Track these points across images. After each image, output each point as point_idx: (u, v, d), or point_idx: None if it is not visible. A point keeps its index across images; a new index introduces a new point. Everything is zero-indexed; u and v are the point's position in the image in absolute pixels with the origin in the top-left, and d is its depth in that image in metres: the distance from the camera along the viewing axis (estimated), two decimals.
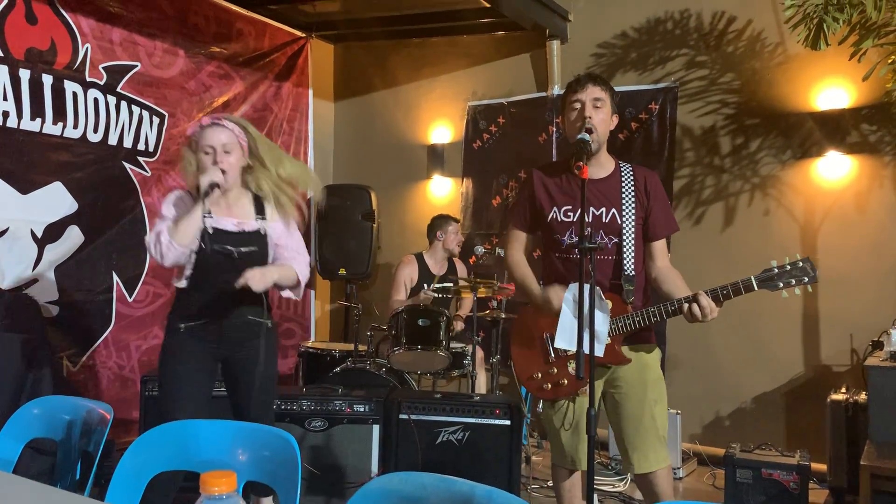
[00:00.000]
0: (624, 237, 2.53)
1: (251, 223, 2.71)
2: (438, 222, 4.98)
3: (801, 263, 2.36)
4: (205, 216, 2.58)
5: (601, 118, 2.53)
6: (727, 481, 3.49)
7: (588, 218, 2.52)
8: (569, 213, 2.59)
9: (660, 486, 2.60)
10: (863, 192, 4.26)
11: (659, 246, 2.61)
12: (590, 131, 2.44)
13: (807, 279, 2.34)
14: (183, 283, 2.68)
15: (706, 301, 2.36)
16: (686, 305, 2.40)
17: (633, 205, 2.55)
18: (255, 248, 2.68)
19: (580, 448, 2.63)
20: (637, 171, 2.62)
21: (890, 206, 4.19)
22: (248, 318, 2.71)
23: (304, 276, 2.75)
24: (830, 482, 3.72)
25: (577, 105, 2.54)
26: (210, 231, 2.60)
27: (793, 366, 4.39)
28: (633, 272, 2.53)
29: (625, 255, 2.53)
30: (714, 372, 4.61)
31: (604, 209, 2.55)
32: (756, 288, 2.37)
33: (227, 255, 2.62)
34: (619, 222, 2.54)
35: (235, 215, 2.70)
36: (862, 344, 4.13)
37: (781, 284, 2.36)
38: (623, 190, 2.57)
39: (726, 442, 3.74)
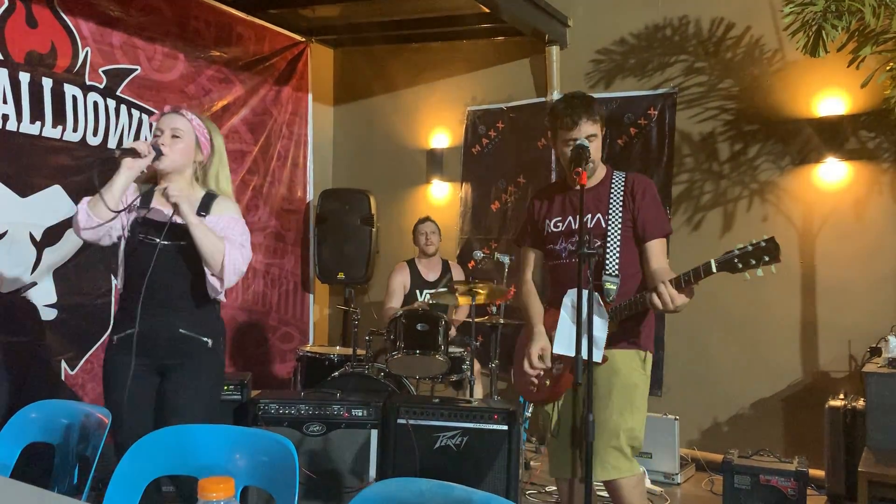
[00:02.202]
0: (608, 240, 2.60)
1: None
2: (414, 226, 5.06)
3: (763, 243, 2.27)
4: (135, 204, 2.52)
5: (595, 147, 2.67)
6: (725, 487, 3.49)
7: (575, 225, 2.65)
8: (558, 224, 2.73)
9: (621, 496, 2.60)
10: (861, 199, 4.26)
11: (652, 248, 2.62)
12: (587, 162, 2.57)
13: (767, 258, 2.25)
14: (120, 285, 2.60)
15: (663, 288, 2.36)
16: (649, 295, 2.42)
17: (620, 209, 2.63)
18: (184, 242, 2.48)
19: (564, 456, 2.65)
20: (628, 177, 2.70)
21: (888, 212, 4.20)
22: (179, 331, 2.53)
23: (231, 260, 2.48)
24: (828, 489, 3.72)
25: (572, 144, 2.64)
26: (140, 220, 2.53)
27: (791, 372, 4.39)
28: (616, 272, 2.57)
29: (608, 257, 2.58)
30: (712, 378, 4.61)
31: (589, 215, 2.65)
32: (715, 270, 2.31)
33: (150, 244, 2.48)
34: (604, 226, 2.62)
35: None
36: (860, 350, 4.13)
37: (741, 266, 2.29)
38: (611, 196, 2.66)
39: (724, 448, 3.74)
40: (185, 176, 2.61)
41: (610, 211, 2.63)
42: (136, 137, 4.44)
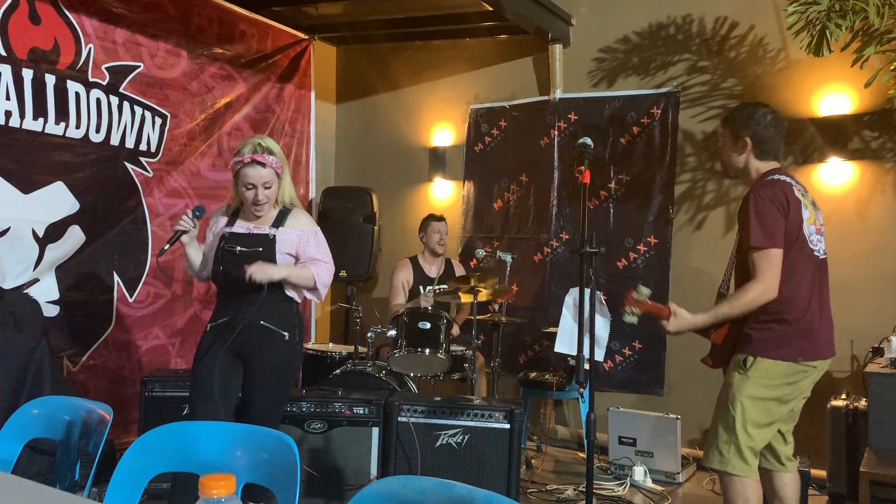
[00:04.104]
0: (731, 255, 2.88)
1: (263, 228, 2.98)
2: (423, 222, 5.07)
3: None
4: (223, 234, 3.00)
5: (724, 150, 2.93)
6: None
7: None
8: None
9: (722, 489, 2.79)
10: (864, 199, 4.26)
11: (750, 261, 2.69)
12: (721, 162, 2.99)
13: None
14: (206, 277, 3.11)
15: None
16: None
17: (738, 225, 2.83)
18: (260, 248, 2.93)
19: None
20: (755, 185, 2.81)
21: (891, 212, 4.19)
22: (260, 323, 2.91)
23: (321, 279, 3.00)
24: (830, 489, 3.72)
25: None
26: (226, 234, 2.96)
27: None
28: (725, 288, 2.84)
29: (724, 275, 2.88)
30: (714, 377, 4.56)
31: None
32: None
33: (231, 252, 2.92)
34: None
35: (255, 223, 3.01)
36: (862, 350, 4.13)
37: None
38: (740, 211, 2.82)
39: None
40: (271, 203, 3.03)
41: (736, 226, 2.86)
42: (139, 135, 4.44)
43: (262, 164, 2.89)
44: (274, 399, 3.01)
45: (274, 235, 2.96)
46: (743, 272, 2.74)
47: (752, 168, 2.84)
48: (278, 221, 3.01)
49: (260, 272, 2.82)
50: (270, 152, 2.92)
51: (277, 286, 2.95)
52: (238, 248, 2.93)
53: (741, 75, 4.61)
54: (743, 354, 2.74)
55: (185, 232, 2.94)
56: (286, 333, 2.96)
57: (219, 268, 2.95)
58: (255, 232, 2.97)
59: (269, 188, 2.93)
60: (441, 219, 5.06)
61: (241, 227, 3.01)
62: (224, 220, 3.06)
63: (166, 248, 2.93)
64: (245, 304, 2.90)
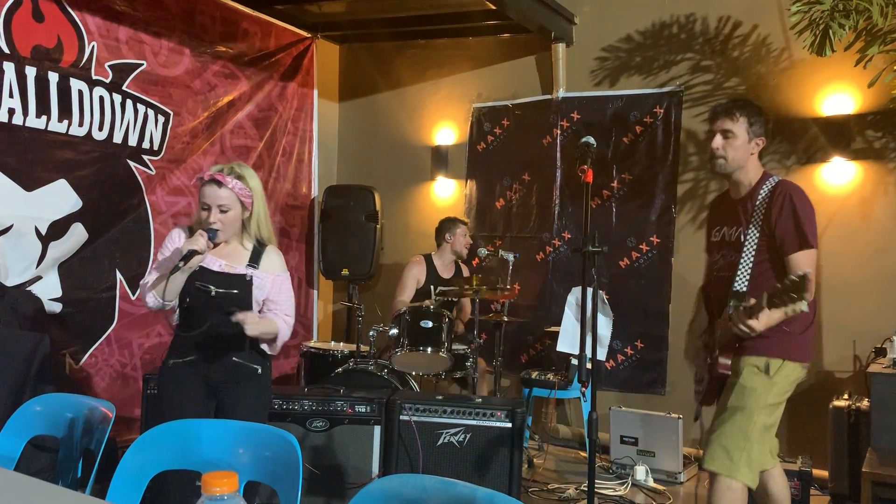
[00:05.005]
0: (743, 255, 2.63)
1: (238, 268, 2.75)
2: (447, 224, 4.98)
3: (791, 281, 2.25)
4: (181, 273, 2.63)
5: (732, 146, 2.71)
6: None
7: (726, 237, 2.73)
8: (716, 234, 2.81)
9: (712, 490, 2.63)
10: (867, 199, 4.25)
11: (792, 262, 2.57)
12: (723, 157, 2.71)
13: (795, 296, 2.23)
14: (175, 320, 2.80)
15: (733, 312, 2.47)
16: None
17: (760, 221, 2.63)
18: (236, 291, 2.72)
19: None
20: (777, 184, 2.67)
21: (894, 212, 4.18)
22: (232, 359, 2.75)
23: (283, 334, 2.80)
24: (832, 489, 3.71)
25: (710, 135, 2.74)
26: (197, 270, 2.67)
27: None
28: (745, 288, 2.60)
29: (738, 273, 2.63)
30: None
31: (735, 227, 2.71)
32: (765, 306, 2.34)
33: (206, 292, 2.68)
34: (742, 240, 2.64)
35: (227, 259, 2.76)
36: (865, 350, 4.12)
37: (777, 301, 2.29)
38: (756, 205, 2.66)
39: None
40: (236, 237, 2.78)
41: (751, 223, 2.64)
42: (141, 132, 4.45)
43: (220, 184, 2.65)
44: None
45: (251, 278, 2.74)
46: (763, 271, 2.62)
47: (753, 167, 2.76)
48: (253, 260, 2.78)
49: (255, 327, 2.65)
50: (240, 178, 2.69)
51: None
52: (213, 288, 2.68)
53: (744, 75, 4.60)
54: (764, 357, 2.62)
55: (199, 253, 2.62)
56: (258, 367, 2.81)
57: (193, 308, 2.71)
58: (229, 272, 2.73)
59: (224, 212, 2.67)
60: (466, 223, 5.06)
61: (213, 262, 2.72)
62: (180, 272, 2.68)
63: (181, 265, 2.57)
64: (216, 344, 2.71)
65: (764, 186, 2.68)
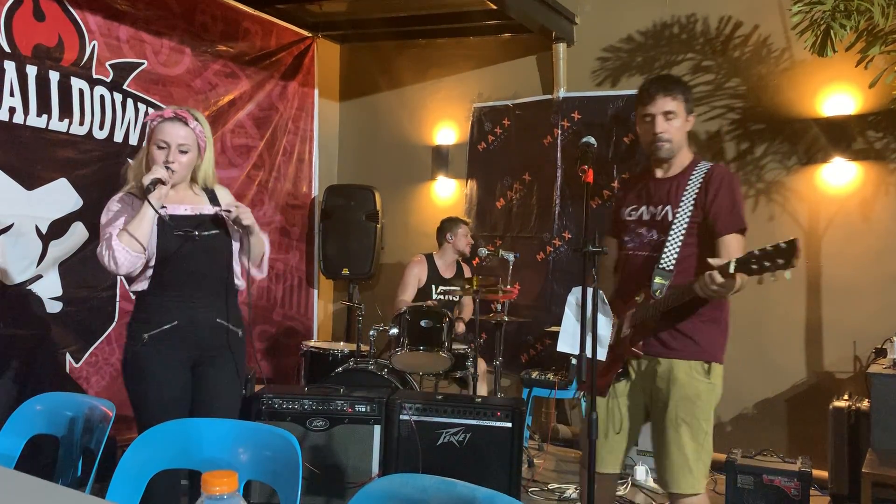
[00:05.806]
0: (671, 234, 2.53)
1: (207, 207, 2.60)
2: (449, 224, 4.99)
3: (782, 245, 2.15)
4: (158, 211, 2.44)
5: (674, 128, 2.59)
6: (728, 487, 3.49)
7: (646, 216, 2.62)
8: (632, 213, 2.68)
9: None
10: (868, 199, 4.25)
11: (724, 243, 2.49)
12: (669, 141, 2.58)
13: (782, 261, 2.14)
14: (144, 285, 2.53)
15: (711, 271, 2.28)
16: (700, 280, 2.31)
17: (692, 202, 2.54)
18: (217, 231, 2.56)
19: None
20: (710, 168, 2.59)
21: (895, 213, 4.18)
22: (216, 321, 2.58)
23: (266, 246, 2.68)
24: (831, 489, 3.71)
25: (648, 119, 2.59)
26: (167, 218, 2.47)
27: (795, 372, 4.38)
28: (671, 267, 2.50)
29: (665, 251, 2.52)
30: None
31: (661, 206, 2.60)
32: (732, 271, 2.22)
33: (187, 237, 2.49)
34: (670, 220, 2.55)
35: (189, 203, 2.60)
36: (865, 351, 4.12)
37: (756, 268, 2.19)
38: (687, 187, 2.57)
39: (728, 447, 3.73)
40: (185, 183, 2.62)
41: (681, 203, 2.54)
42: (143, 132, 4.44)
43: (185, 122, 2.49)
44: (234, 410, 2.66)
45: (224, 213, 2.55)
46: (690, 253, 2.51)
47: (685, 149, 2.64)
48: (213, 201, 2.62)
49: (248, 216, 2.46)
50: (198, 121, 2.55)
51: (229, 272, 2.60)
52: (197, 232, 2.50)
53: (745, 75, 4.60)
54: (701, 362, 2.51)
55: (163, 183, 2.42)
56: (239, 330, 2.64)
57: (167, 258, 2.47)
58: (202, 213, 2.56)
59: (184, 153, 2.50)
60: (468, 222, 5.06)
61: (177, 208, 2.53)
62: (133, 200, 2.51)
63: (149, 197, 2.37)
64: (204, 301, 2.54)
65: (698, 167, 2.59)
